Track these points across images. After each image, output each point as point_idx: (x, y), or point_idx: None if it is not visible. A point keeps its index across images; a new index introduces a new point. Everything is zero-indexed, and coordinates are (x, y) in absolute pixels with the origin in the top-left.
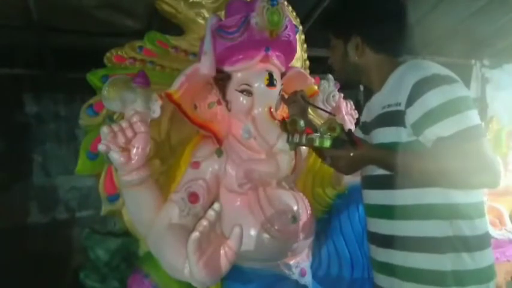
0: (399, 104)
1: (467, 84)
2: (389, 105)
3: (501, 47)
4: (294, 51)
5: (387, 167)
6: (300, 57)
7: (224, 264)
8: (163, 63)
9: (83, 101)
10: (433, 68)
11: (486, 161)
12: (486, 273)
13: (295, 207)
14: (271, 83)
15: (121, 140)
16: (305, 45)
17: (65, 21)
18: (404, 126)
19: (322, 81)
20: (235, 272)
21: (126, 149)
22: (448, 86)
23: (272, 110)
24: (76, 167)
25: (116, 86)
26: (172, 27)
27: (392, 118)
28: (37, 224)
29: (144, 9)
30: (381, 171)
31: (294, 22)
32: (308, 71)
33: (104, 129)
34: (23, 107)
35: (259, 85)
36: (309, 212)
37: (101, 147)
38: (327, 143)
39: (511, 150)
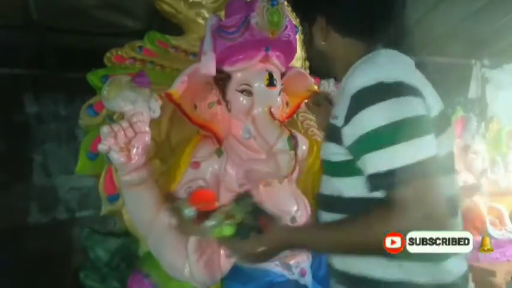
0: (337, 118)
1: (467, 84)
2: (333, 116)
3: (501, 47)
4: (294, 51)
5: (310, 248)
6: (300, 57)
7: (224, 264)
8: (163, 63)
9: (83, 101)
10: (382, 71)
11: (429, 211)
12: None
13: (295, 208)
14: (271, 83)
15: (121, 140)
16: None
17: (65, 21)
18: (343, 145)
19: (322, 81)
20: (235, 272)
21: (126, 149)
22: (394, 101)
23: (272, 110)
24: (76, 167)
25: (116, 86)
26: (172, 27)
27: (333, 133)
28: (37, 224)
29: (144, 9)
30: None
31: (294, 22)
32: (308, 71)
33: (104, 129)
34: (23, 107)
35: (259, 85)
36: (309, 212)
37: (101, 147)
38: (229, 231)
39: (511, 150)
